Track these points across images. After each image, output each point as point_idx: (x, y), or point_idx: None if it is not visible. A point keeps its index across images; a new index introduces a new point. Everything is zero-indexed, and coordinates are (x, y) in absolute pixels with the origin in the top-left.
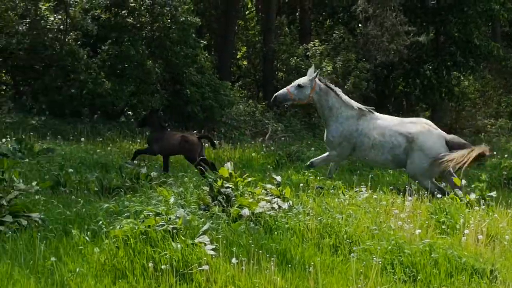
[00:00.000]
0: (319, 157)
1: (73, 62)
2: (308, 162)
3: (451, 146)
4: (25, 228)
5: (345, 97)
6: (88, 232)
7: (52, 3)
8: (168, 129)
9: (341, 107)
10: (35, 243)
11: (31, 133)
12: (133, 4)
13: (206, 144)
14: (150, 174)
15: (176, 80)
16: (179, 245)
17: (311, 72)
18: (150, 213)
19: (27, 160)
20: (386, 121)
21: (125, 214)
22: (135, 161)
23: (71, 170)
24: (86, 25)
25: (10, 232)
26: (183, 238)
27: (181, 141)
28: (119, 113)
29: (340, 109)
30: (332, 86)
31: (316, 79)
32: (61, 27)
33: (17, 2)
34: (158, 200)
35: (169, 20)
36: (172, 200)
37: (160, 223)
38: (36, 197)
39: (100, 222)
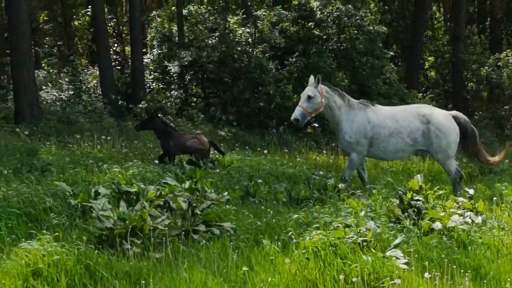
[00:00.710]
0: (345, 169)
1: (261, 75)
2: (341, 181)
3: (459, 123)
4: (218, 237)
5: (347, 96)
6: (279, 243)
7: (240, 17)
8: (176, 129)
9: (348, 105)
10: (227, 252)
11: (221, 144)
12: (320, 16)
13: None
14: (338, 186)
15: (362, 91)
16: (369, 258)
17: (311, 80)
18: (340, 225)
19: (217, 170)
20: (392, 109)
21: (315, 225)
22: (167, 164)
23: (259, 180)
24: (274, 37)
25: (204, 241)
26: (373, 251)
27: (193, 141)
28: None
29: (347, 107)
30: (333, 87)
31: (320, 84)
32: (250, 40)
33: (206, 16)
34: (347, 212)
35: (355, 31)
36: (362, 212)
37: (350, 235)
38: (227, 206)
39: (290, 232)
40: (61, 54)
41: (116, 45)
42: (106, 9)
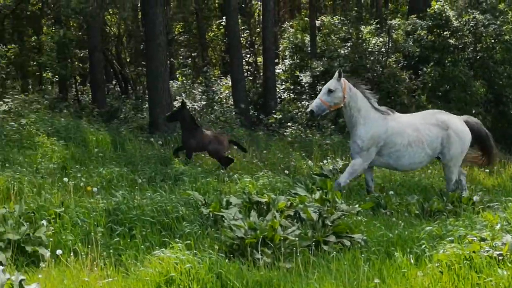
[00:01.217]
0: (344, 174)
1: (394, 85)
2: (335, 184)
3: (471, 127)
4: (348, 248)
5: (372, 98)
6: (411, 255)
7: (374, 26)
8: (200, 126)
9: (369, 108)
10: (358, 264)
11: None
12: (456, 25)
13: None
14: (472, 198)
15: (499, 100)
16: (505, 272)
17: (336, 74)
18: (475, 238)
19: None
20: (411, 117)
21: (449, 238)
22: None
23: (391, 192)
24: (408, 47)
25: (334, 252)
26: (509, 265)
27: (213, 141)
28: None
29: (368, 111)
30: (359, 86)
31: (344, 79)
32: (383, 49)
33: (339, 26)
34: (482, 225)
35: (492, 41)
36: (498, 225)
37: (485, 249)
38: (358, 218)
39: (423, 245)
40: (195, 65)
41: (248, 55)
42: (239, 21)
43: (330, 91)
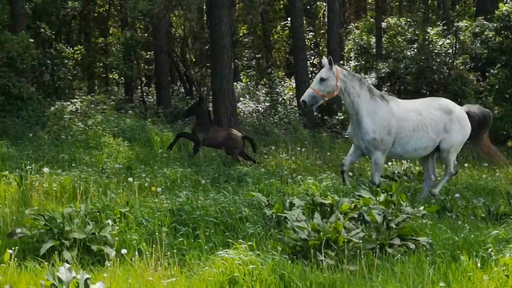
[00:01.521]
0: (372, 173)
1: (461, 86)
2: (372, 184)
3: (474, 114)
4: (413, 251)
5: (369, 84)
6: (477, 259)
7: (441, 28)
8: (213, 122)
9: (369, 94)
10: (423, 267)
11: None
12: None
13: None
14: None
15: None
16: None
17: (325, 61)
18: None
19: (413, 183)
20: (412, 102)
21: None
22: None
23: (457, 195)
24: (475, 48)
25: (399, 255)
26: None
27: (226, 138)
28: (506, 138)
29: (368, 97)
30: (354, 74)
31: (336, 67)
32: (450, 51)
33: (406, 27)
34: None
35: None
36: None
37: None
38: (423, 221)
39: (489, 249)
40: (259, 66)
41: (313, 57)
42: (304, 22)
43: (322, 80)
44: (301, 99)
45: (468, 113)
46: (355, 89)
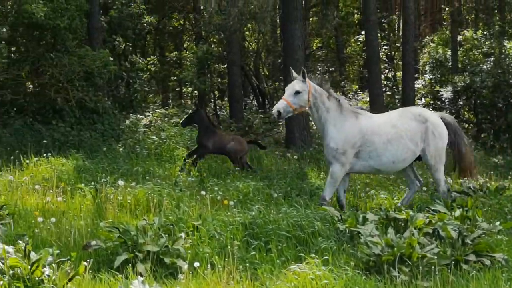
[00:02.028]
0: (326, 186)
1: None
2: (320, 199)
3: (448, 123)
4: (488, 268)
5: (340, 98)
6: None
7: None
8: (218, 128)
9: (338, 108)
10: (498, 284)
11: (491, 172)
12: None
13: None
14: None
15: None
16: None
17: (295, 75)
18: None
19: (489, 199)
20: (385, 115)
21: None
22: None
23: None
24: None
25: (474, 272)
26: None
27: (232, 142)
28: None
29: (337, 111)
30: (325, 85)
31: (308, 81)
32: None
33: (482, 41)
34: None
35: None
36: None
37: None
38: (499, 236)
39: None
40: (332, 79)
41: (387, 70)
42: (378, 35)
43: (297, 93)
44: (275, 109)
45: (442, 120)
46: (324, 104)
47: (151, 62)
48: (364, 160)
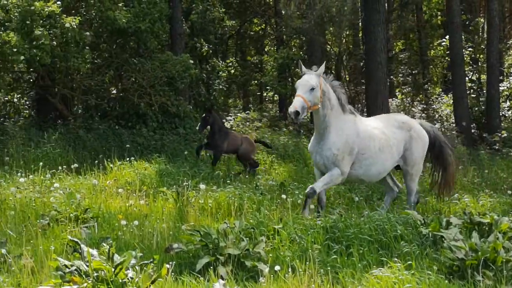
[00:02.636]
0: (321, 180)
1: None
2: (308, 189)
3: (427, 131)
4: None
5: (342, 95)
6: None
7: None
8: (230, 129)
9: (340, 107)
10: None
11: None
12: None
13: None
14: None
15: None
16: None
17: (305, 69)
18: None
19: None
20: (374, 120)
21: None
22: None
23: None
24: None
25: None
26: None
27: (244, 142)
28: None
29: (338, 110)
30: (329, 80)
31: (322, 75)
32: None
33: None
34: None
35: None
36: None
37: None
38: None
39: None
40: (415, 82)
41: (471, 73)
42: (462, 37)
43: (312, 89)
44: (293, 109)
45: (421, 125)
46: (330, 101)
47: (230, 64)
48: (355, 168)
